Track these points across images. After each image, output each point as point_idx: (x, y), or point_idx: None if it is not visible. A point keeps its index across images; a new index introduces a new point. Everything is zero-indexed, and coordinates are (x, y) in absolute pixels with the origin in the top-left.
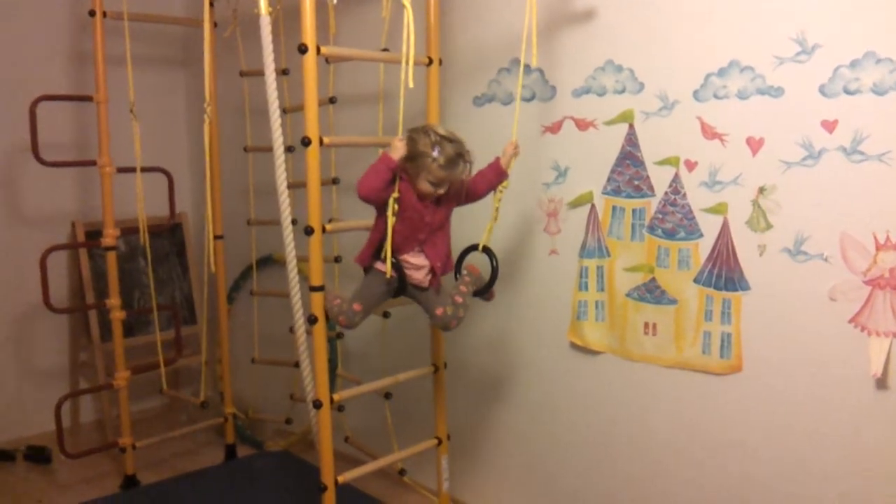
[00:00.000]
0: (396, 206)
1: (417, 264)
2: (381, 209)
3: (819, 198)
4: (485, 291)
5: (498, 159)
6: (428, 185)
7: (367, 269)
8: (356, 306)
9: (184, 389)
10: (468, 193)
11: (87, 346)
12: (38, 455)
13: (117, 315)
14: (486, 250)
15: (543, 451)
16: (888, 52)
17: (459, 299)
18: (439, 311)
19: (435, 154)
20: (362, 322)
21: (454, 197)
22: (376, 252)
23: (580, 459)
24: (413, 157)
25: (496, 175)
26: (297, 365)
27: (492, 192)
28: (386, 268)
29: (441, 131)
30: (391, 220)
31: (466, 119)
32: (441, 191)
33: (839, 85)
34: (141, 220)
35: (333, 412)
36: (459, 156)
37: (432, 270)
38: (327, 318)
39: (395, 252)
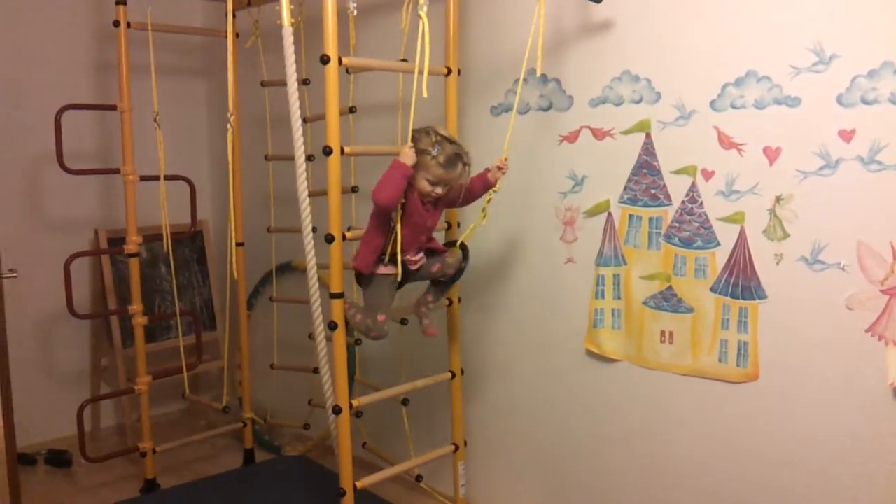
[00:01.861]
0: (402, 211)
1: (416, 261)
2: (384, 215)
3: (836, 207)
4: (448, 284)
5: (487, 171)
6: (426, 184)
7: (369, 276)
8: (380, 317)
9: (203, 395)
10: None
11: (108, 352)
12: (59, 459)
13: (139, 321)
14: (463, 247)
15: (560, 458)
16: None
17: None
18: (450, 259)
19: (434, 152)
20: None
21: (451, 201)
22: (379, 258)
23: (596, 467)
24: (418, 148)
25: (483, 187)
26: (315, 371)
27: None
28: (390, 270)
29: (442, 132)
30: (399, 226)
31: (484, 128)
32: (439, 191)
33: (856, 94)
34: (164, 228)
35: (352, 418)
36: (458, 156)
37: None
38: (348, 325)
39: (402, 252)
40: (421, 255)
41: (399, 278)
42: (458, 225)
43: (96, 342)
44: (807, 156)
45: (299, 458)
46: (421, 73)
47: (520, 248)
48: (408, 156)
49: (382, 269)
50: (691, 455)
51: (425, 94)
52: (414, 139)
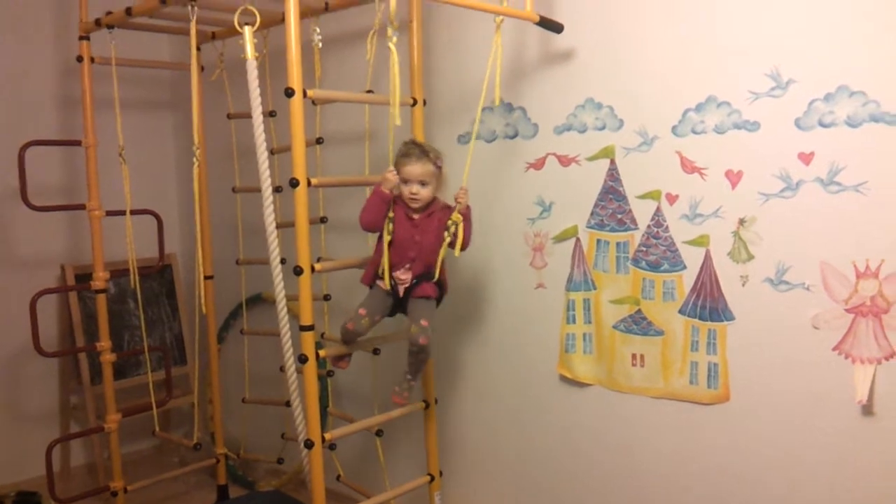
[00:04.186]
0: (391, 226)
1: (404, 279)
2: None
3: (799, 228)
4: (417, 357)
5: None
6: (403, 188)
7: (369, 287)
8: (361, 311)
9: (175, 431)
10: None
11: (77, 389)
12: (28, 501)
13: (107, 358)
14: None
15: (536, 483)
16: (860, 86)
17: (425, 323)
18: (424, 322)
19: (400, 152)
20: (370, 329)
21: (443, 215)
22: (377, 271)
23: (572, 492)
24: (395, 163)
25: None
26: (288, 404)
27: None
28: (382, 283)
29: (414, 141)
30: (386, 240)
31: (452, 156)
32: (415, 189)
33: (814, 118)
34: (131, 263)
35: (325, 451)
36: (424, 153)
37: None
38: (346, 355)
39: (390, 269)
40: (409, 275)
41: (387, 286)
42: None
43: (64, 380)
44: (768, 179)
45: (274, 493)
46: (392, 104)
47: (490, 274)
48: (388, 181)
49: (379, 282)
50: (667, 476)
51: (398, 122)
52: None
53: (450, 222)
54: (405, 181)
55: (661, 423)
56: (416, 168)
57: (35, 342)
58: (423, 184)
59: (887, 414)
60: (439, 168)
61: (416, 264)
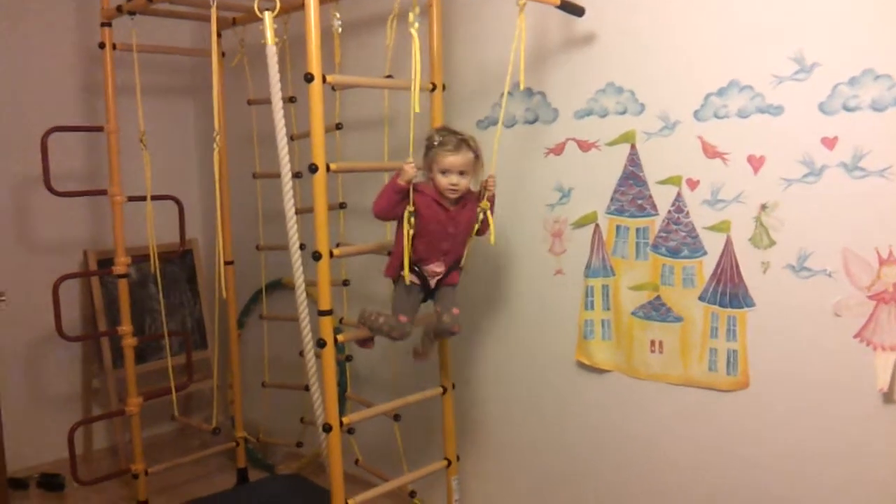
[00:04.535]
0: (413, 220)
1: (438, 272)
2: (401, 222)
3: (821, 214)
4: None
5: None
6: (441, 178)
7: (396, 281)
8: (402, 318)
9: (196, 414)
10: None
11: (99, 373)
12: (51, 482)
13: (129, 342)
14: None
15: (553, 470)
16: (886, 69)
17: (456, 311)
18: (456, 311)
19: (437, 141)
20: (412, 329)
21: (473, 204)
22: (402, 264)
23: (589, 478)
24: (426, 153)
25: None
26: (307, 388)
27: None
28: (413, 277)
29: (447, 128)
30: (407, 234)
31: None
32: (454, 180)
33: (838, 102)
34: (152, 249)
35: (343, 435)
36: (463, 141)
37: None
38: (370, 338)
39: (420, 262)
40: (443, 267)
41: (408, 282)
42: None
43: (87, 364)
44: (791, 164)
45: (293, 477)
46: (413, 88)
47: (509, 260)
48: (405, 172)
49: (403, 273)
50: (685, 463)
51: (418, 109)
52: (426, 141)
53: (478, 210)
54: (443, 171)
55: (679, 410)
56: (456, 158)
57: (58, 326)
58: (462, 174)
59: None
60: (478, 156)
61: (448, 256)
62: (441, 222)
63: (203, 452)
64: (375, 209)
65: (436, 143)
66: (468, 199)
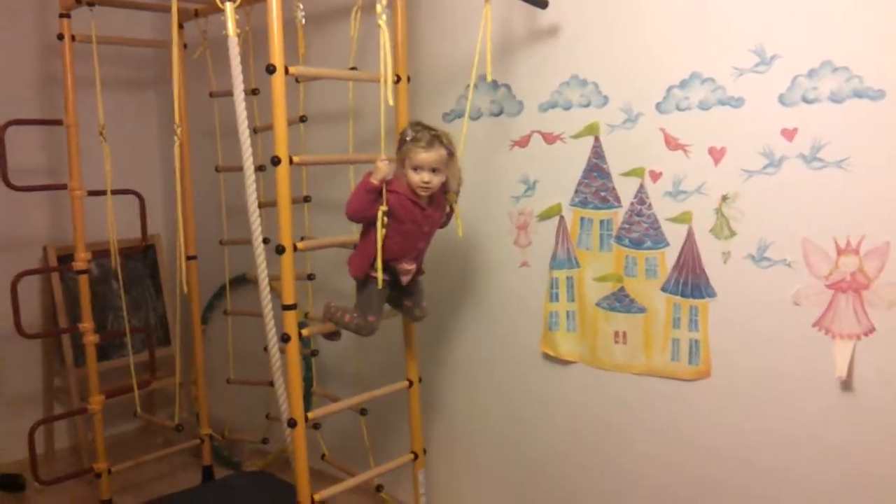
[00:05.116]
0: (386, 219)
1: (410, 269)
2: (373, 221)
3: (781, 205)
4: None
5: None
6: (413, 175)
7: (362, 280)
8: (370, 318)
9: (160, 411)
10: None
11: (60, 371)
12: (12, 483)
13: (90, 339)
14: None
15: (519, 461)
16: (844, 61)
17: (426, 304)
18: (425, 304)
19: (409, 136)
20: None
21: (443, 199)
22: (371, 263)
23: (556, 469)
24: (399, 149)
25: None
26: (272, 384)
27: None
28: (378, 278)
29: (422, 123)
30: (380, 232)
31: None
32: (426, 177)
33: (798, 94)
34: (112, 244)
35: (309, 430)
36: (436, 137)
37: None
38: (336, 331)
39: (393, 261)
40: (414, 265)
41: (380, 285)
42: None
43: (48, 362)
44: (751, 155)
45: (259, 473)
46: (385, 81)
47: (475, 252)
48: (379, 170)
49: (374, 273)
50: (649, 452)
51: (392, 103)
52: (400, 136)
53: (446, 203)
54: (415, 168)
55: (643, 400)
56: (429, 155)
57: (17, 324)
58: (434, 171)
59: (867, 389)
60: (452, 154)
61: (421, 254)
62: (417, 221)
63: (167, 450)
64: (348, 211)
65: (408, 139)
66: (439, 196)
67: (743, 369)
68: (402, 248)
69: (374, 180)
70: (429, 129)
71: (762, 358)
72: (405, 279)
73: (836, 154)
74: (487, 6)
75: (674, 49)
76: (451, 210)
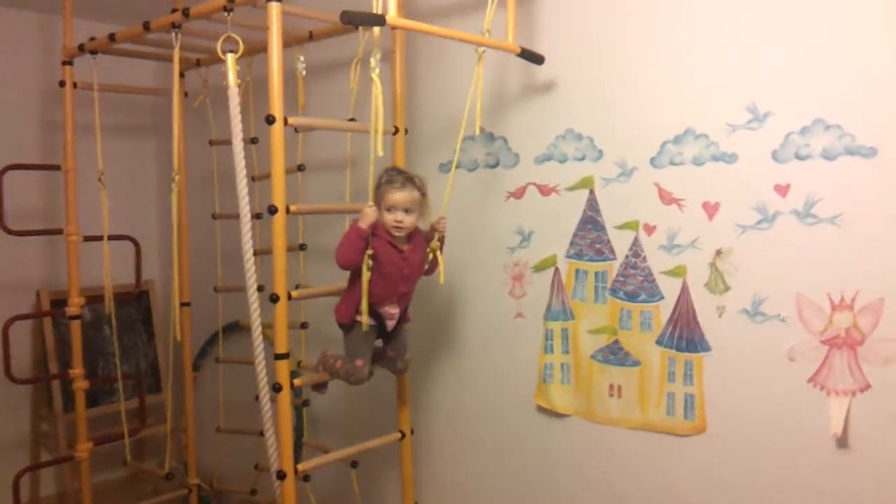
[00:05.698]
0: (371, 262)
1: (394, 313)
2: (359, 266)
3: (775, 260)
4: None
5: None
6: (387, 215)
7: (349, 325)
8: (358, 363)
9: (150, 459)
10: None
11: (48, 417)
12: None
13: (80, 385)
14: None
15: None
16: (836, 119)
17: (409, 356)
18: (408, 356)
19: (384, 179)
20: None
21: (423, 244)
22: (357, 307)
23: None
24: (375, 192)
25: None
26: (262, 434)
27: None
28: (364, 321)
29: (397, 168)
30: (366, 276)
31: (434, 185)
32: (399, 217)
33: (790, 151)
34: (107, 290)
35: (299, 482)
36: (408, 179)
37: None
38: (324, 383)
39: (376, 305)
40: (398, 309)
41: (365, 328)
42: None
43: (36, 407)
44: (745, 210)
45: None
46: (375, 132)
47: (469, 303)
48: (367, 216)
49: (359, 318)
50: None
51: (381, 153)
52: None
53: (428, 250)
54: (389, 209)
55: (638, 455)
56: (401, 195)
57: (6, 368)
58: (407, 211)
59: (862, 446)
60: (424, 195)
61: (403, 298)
62: (396, 264)
63: (156, 499)
64: (340, 260)
65: (383, 181)
66: (418, 240)
67: (738, 425)
68: (384, 292)
69: (363, 225)
70: (402, 172)
71: (758, 413)
72: (390, 324)
73: (830, 210)
74: (480, 63)
75: (668, 105)
76: (435, 257)
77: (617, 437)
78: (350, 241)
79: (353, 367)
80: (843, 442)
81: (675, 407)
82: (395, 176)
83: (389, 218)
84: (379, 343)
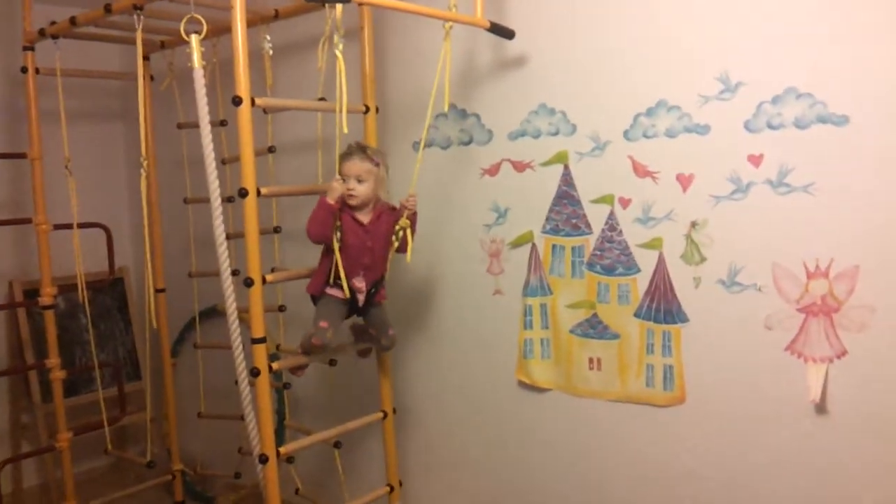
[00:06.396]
0: (339, 234)
1: (360, 286)
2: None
3: (749, 230)
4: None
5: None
6: (339, 183)
7: (319, 297)
8: (322, 324)
9: (132, 447)
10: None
11: (27, 408)
12: None
13: (57, 375)
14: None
15: (497, 490)
16: (808, 88)
17: (392, 332)
18: (391, 332)
19: (342, 152)
20: (334, 341)
21: (390, 218)
22: (327, 280)
23: (533, 497)
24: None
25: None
26: (243, 418)
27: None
28: (335, 292)
29: (358, 142)
30: (336, 247)
31: (407, 164)
32: (351, 186)
33: (763, 120)
34: (79, 277)
35: (282, 464)
36: (361, 149)
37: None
38: (302, 365)
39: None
40: (364, 283)
41: (346, 296)
42: None
43: (14, 399)
44: (719, 181)
45: None
46: (340, 109)
47: (448, 281)
48: (334, 190)
49: (329, 290)
50: (626, 478)
51: (346, 130)
52: None
53: (397, 227)
54: (343, 178)
55: (618, 426)
56: (353, 165)
57: None
58: (359, 180)
59: (840, 412)
60: (377, 165)
61: (369, 271)
62: (359, 236)
63: (139, 486)
64: (311, 233)
65: (340, 155)
66: (383, 213)
67: (717, 394)
68: (349, 264)
69: (330, 200)
70: (358, 144)
71: (736, 382)
72: (360, 298)
73: (803, 179)
74: (447, 39)
75: (640, 77)
76: (405, 236)
77: (597, 410)
78: (318, 215)
79: (316, 328)
80: (821, 408)
81: (655, 378)
82: (351, 148)
83: (343, 187)
84: (361, 321)
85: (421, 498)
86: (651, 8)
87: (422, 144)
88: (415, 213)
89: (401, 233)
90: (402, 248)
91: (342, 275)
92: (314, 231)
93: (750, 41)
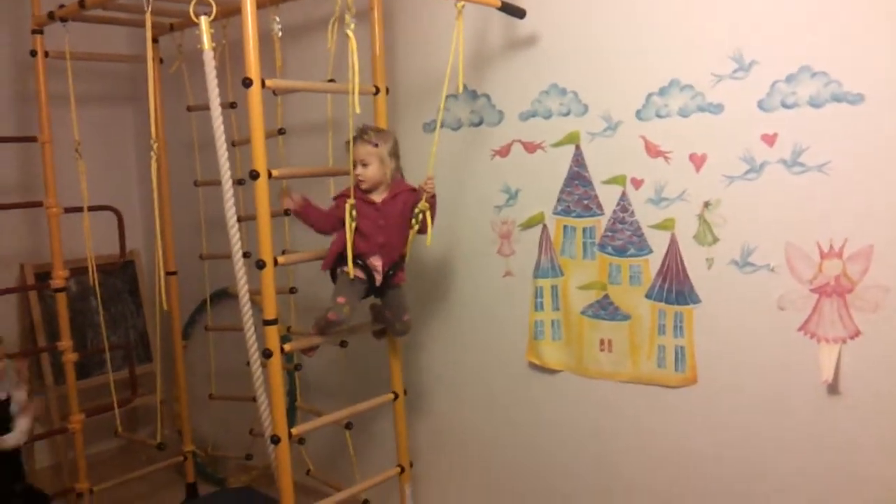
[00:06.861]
0: (354, 212)
1: (377, 265)
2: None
3: (763, 210)
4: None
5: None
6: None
7: (335, 274)
8: (339, 299)
9: (143, 429)
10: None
11: (39, 390)
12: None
13: (69, 357)
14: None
15: (507, 471)
16: (822, 66)
17: (407, 318)
18: (406, 317)
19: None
20: (350, 318)
21: (407, 197)
22: (339, 258)
23: (544, 478)
24: None
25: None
26: (255, 399)
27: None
28: (349, 270)
29: (367, 125)
30: (349, 223)
31: (418, 145)
32: (358, 170)
33: (777, 99)
34: (90, 261)
35: (293, 445)
36: (363, 133)
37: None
38: (314, 346)
39: (361, 257)
40: (381, 262)
41: (351, 276)
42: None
43: (27, 380)
44: (732, 161)
45: (243, 490)
46: (351, 90)
47: (458, 263)
48: (291, 200)
49: (344, 269)
50: (638, 459)
51: (358, 111)
52: None
53: (417, 210)
54: (354, 164)
55: (629, 407)
56: (356, 151)
57: None
58: (364, 164)
59: (852, 392)
60: (375, 146)
61: (385, 250)
62: (370, 217)
63: (150, 468)
64: (318, 231)
65: (347, 142)
66: (401, 193)
67: (729, 375)
68: (364, 244)
69: (294, 207)
70: (361, 129)
71: (748, 363)
72: (377, 277)
73: (817, 158)
74: (460, 19)
75: (652, 57)
76: (425, 218)
77: (608, 391)
78: (307, 222)
79: (334, 303)
80: (833, 389)
81: (666, 359)
82: (356, 133)
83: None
84: (379, 303)
85: (432, 478)
86: None
87: (438, 126)
88: (434, 196)
89: (420, 216)
90: (423, 230)
91: (349, 256)
92: (318, 230)
93: (764, 19)
